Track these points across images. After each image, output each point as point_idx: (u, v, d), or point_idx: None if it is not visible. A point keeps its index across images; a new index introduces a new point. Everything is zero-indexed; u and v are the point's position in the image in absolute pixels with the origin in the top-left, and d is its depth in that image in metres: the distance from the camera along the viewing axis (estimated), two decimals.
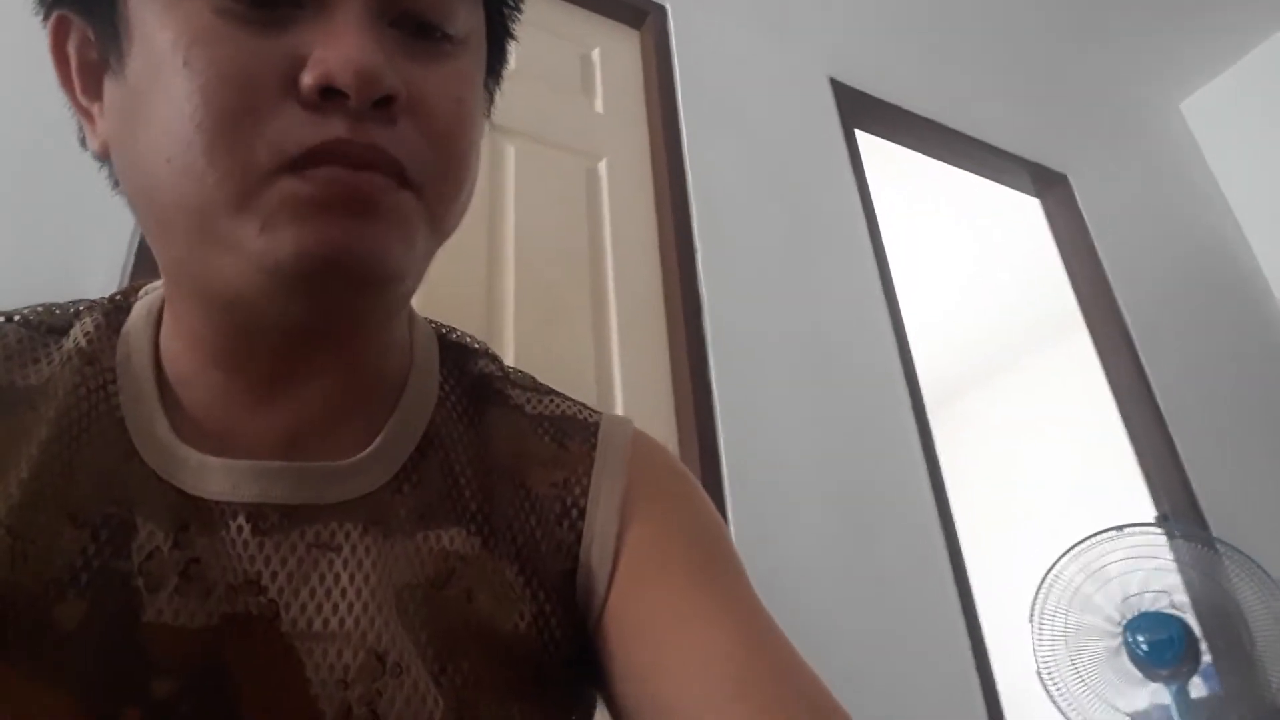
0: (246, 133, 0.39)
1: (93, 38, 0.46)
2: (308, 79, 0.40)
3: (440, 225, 0.46)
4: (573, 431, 0.55)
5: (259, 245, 0.40)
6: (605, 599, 0.49)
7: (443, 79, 0.45)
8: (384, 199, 0.41)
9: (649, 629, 0.46)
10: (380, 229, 0.41)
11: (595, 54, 2.27)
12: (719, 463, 1.82)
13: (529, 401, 0.56)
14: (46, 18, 0.48)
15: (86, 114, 0.47)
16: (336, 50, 0.40)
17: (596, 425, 0.56)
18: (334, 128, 0.40)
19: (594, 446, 0.54)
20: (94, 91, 0.47)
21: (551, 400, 0.57)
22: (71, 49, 0.47)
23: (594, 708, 0.52)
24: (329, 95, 0.40)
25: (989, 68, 3.24)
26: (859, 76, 2.76)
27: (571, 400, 0.58)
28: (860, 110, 2.70)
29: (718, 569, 0.50)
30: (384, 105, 0.41)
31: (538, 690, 0.47)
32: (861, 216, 2.47)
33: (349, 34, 0.40)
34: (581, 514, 0.51)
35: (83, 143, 0.49)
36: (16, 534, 0.40)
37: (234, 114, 0.39)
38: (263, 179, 0.39)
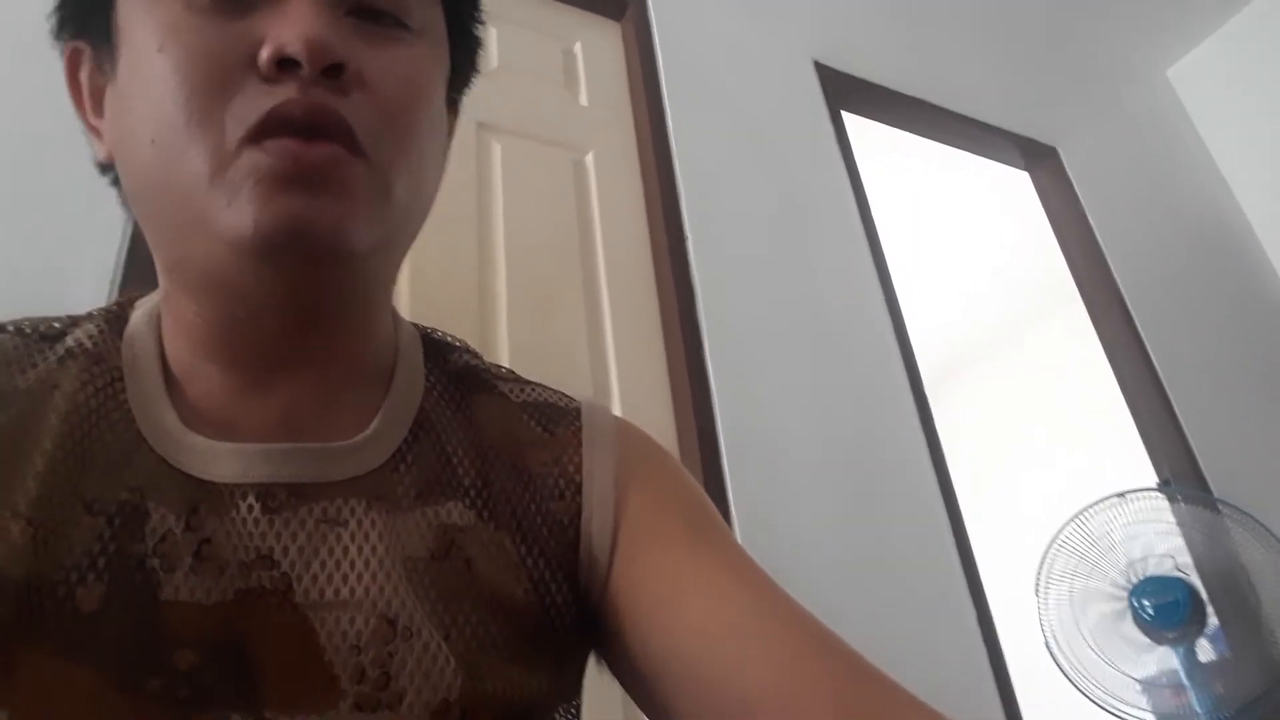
0: (216, 108, 0.43)
1: (94, 60, 0.50)
2: (264, 53, 0.44)
3: (394, 198, 0.48)
4: (557, 417, 0.58)
5: (224, 220, 0.43)
6: (609, 566, 0.53)
7: (395, 59, 0.48)
8: (337, 170, 0.44)
9: (658, 589, 0.50)
10: (336, 202, 0.44)
11: (577, 47, 2.27)
12: (718, 449, 1.82)
13: (512, 391, 0.60)
14: (61, 47, 0.53)
15: (96, 131, 0.52)
16: (289, 26, 0.44)
17: (578, 410, 0.60)
18: (287, 92, 0.44)
19: (580, 428, 0.58)
20: (100, 110, 0.51)
21: (533, 389, 0.61)
22: (84, 77, 0.52)
23: (584, 670, 0.56)
24: (284, 66, 0.44)
25: (972, 42, 3.24)
26: (842, 58, 2.76)
27: (550, 389, 0.62)
28: (845, 92, 2.70)
29: (711, 532, 0.54)
30: (334, 74, 0.45)
31: (537, 652, 0.50)
32: (852, 199, 2.47)
33: (301, 12, 0.45)
34: (578, 490, 0.55)
35: (96, 163, 0.53)
36: (37, 524, 0.43)
37: (205, 90, 0.44)
38: (231, 152, 0.43)
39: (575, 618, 0.53)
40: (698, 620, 0.48)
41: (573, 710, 0.55)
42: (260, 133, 0.43)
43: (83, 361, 0.49)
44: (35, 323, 0.52)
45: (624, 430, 0.60)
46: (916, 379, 2.24)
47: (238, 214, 0.43)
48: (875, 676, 0.45)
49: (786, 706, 0.44)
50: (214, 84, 0.44)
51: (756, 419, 1.93)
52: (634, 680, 0.51)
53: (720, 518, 0.57)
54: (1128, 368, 2.82)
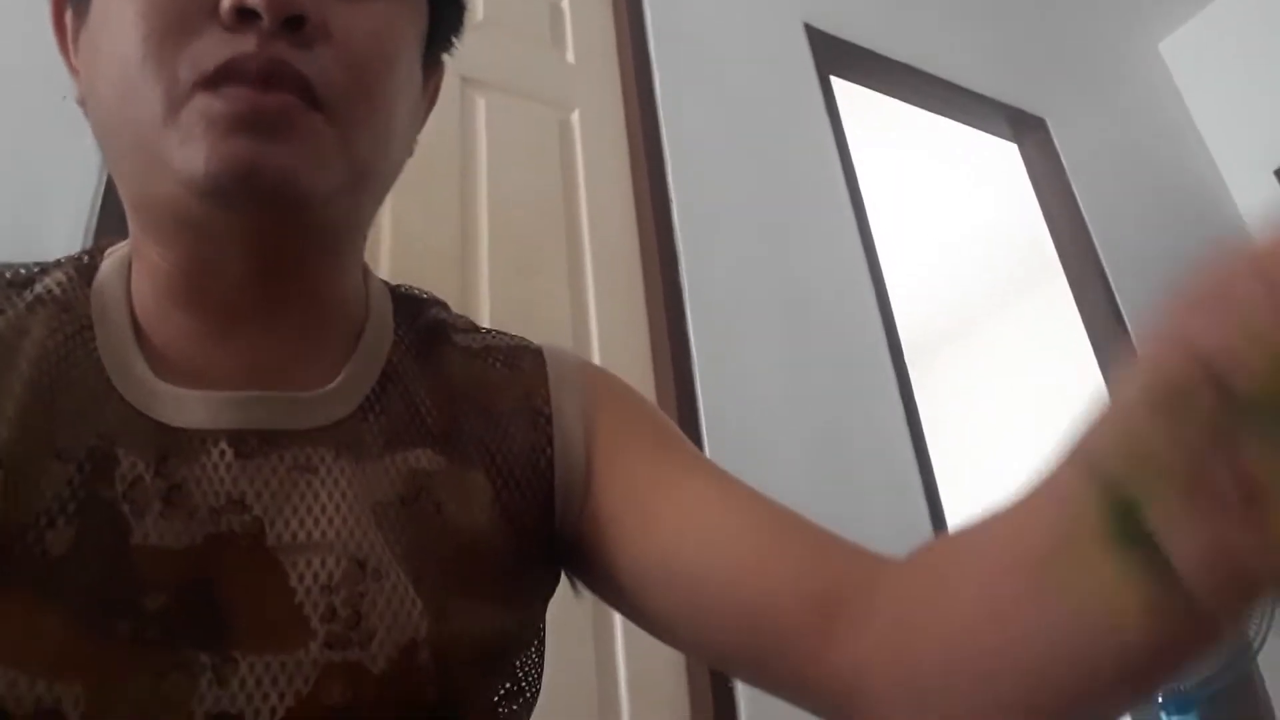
0: (173, 51, 0.44)
1: (73, 2, 0.51)
2: (225, 1, 0.44)
3: (354, 151, 0.48)
4: (520, 356, 0.61)
5: (178, 159, 0.44)
6: (588, 483, 0.55)
7: (364, 14, 0.48)
8: (290, 118, 0.45)
9: (637, 494, 0.54)
10: (288, 149, 0.45)
11: (565, 2, 2.23)
12: (697, 412, 1.83)
13: (474, 341, 0.61)
14: None
15: (77, 72, 0.52)
16: None
17: (539, 350, 0.62)
18: (245, 44, 0.44)
19: (544, 364, 0.60)
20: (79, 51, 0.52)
21: (493, 335, 0.63)
22: (68, 20, 0.52)
23: (549, 598, 0.59)
24: (245, 17, 0.44)
25: (965, 10, 3.21)
26: (834, 21, 2.73)
27: (510, 334, 0.64)
28: (835, 56, 2.68)
29: (679, 443, 0.59)
30: (297, 27, 0.44)
31: (507, 590, 0.52)
32: (838, 163, 2.46)
33: None
34: (548, 420, 0.57)
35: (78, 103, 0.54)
36: (7, 468, 0.43)
37: (161, 33, 0.44)
38: (184, 95, 0.44)
39: (545, 550, 0.55)
40: (677, 517, 0.51)
41: (536, 646, 0.58)
42: (215, 79, 0.44)
43: (51, 309, 0.50)
44: (3, 268, 0.52)
45: (585, 364, 0.63)
46: (897, 350, 2.24)
47: (189, 155, 0.43)
48: (837, 542, 0.50)
49: (762, 583, 0.48)
50: (172, 27, 0.44)
51: (736, 382, 1.94)
52: (619, 589, 0.54)
53: (685, 436, 0.61)
54: (1105, 344, 2.83)
